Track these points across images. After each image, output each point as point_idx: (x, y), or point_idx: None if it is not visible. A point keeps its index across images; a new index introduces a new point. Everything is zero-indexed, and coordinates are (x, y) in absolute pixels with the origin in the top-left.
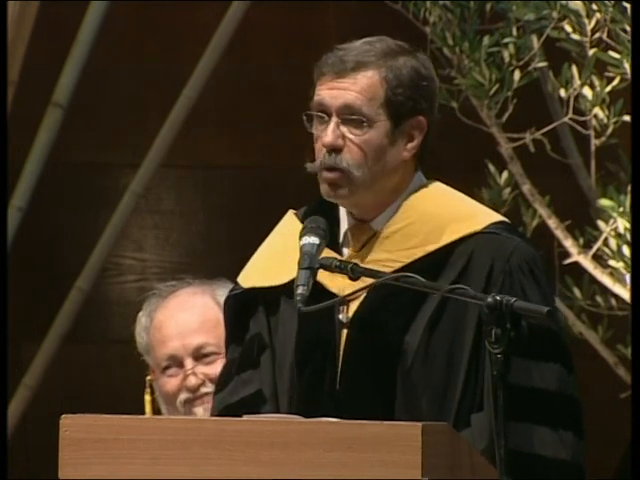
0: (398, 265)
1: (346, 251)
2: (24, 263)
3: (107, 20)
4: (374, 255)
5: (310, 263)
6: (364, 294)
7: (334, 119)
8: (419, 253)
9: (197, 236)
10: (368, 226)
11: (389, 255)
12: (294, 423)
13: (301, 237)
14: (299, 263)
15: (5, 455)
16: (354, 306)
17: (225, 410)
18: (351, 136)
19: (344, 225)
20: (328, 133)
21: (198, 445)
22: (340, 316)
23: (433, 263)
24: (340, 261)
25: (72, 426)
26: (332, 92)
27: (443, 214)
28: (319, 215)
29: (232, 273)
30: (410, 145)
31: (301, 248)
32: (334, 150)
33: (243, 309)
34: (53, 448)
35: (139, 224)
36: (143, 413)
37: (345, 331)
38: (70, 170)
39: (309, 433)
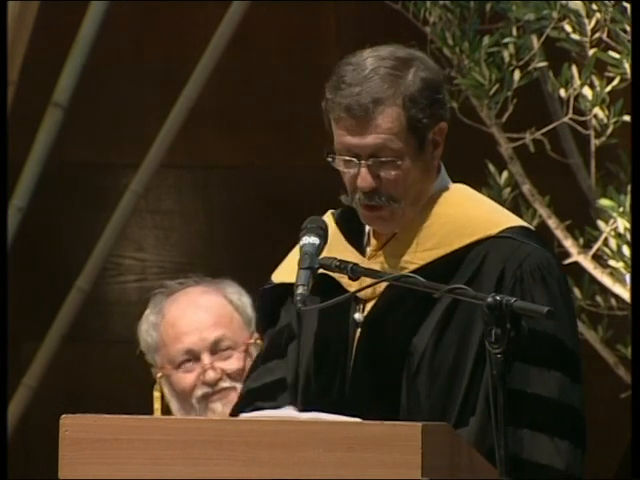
0: (413, 267)
1: (368, 251)
2: (24, 263)
3: (107, 20)
4: (392, 256)
5: (310, 263)
6: (380, 294)
7: (365, 163)
8: (433, 256)
9: (197, 236)
10: None
11: (405, 257)
12: (294, 423)
13: (301, 237)
14: (299, 263)
15: (5, 455)
16: (369, 306)
17: (247, 394)
18: (384, 174)
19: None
20: (362, 177)
21: (198, 445)
22: (356, 315)
23: (447, 266)
24: (340, 261)
25: (72, 426)
26: (358, 139)
27: (460, 217)
28: (353, 216)
29: (232, 273)
30: (437, 152)
31: (301, 248)
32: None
33: (274, 303)
34: (53, 448)
35: (139, 224)
36: (143, 413)
37: (359, 330)
38: (70, 170)
39: (309, 433)
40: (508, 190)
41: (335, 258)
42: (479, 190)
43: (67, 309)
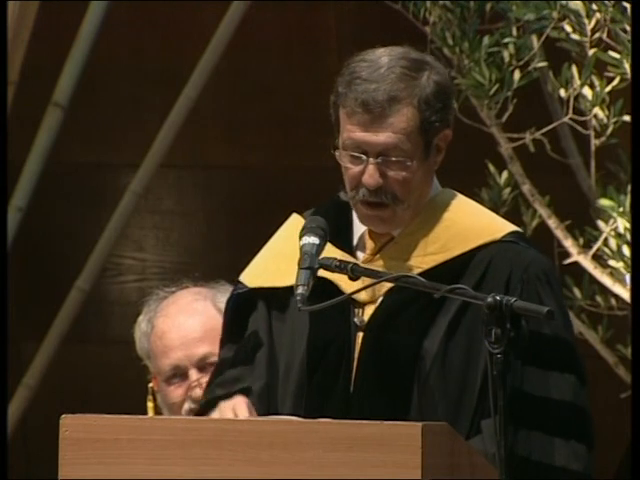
0: (418, 271)
1: (361, 255)
2: (24, 263)
3: (107, 20)
4: (392, 260)
5: (310, 263)
6: (381, 298)
7: (373, 160)
8: (439, 259)
9: (197, 236)
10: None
11: (408, 261)
12: (294, 423)
13: (301, 237)
14: (299, 263)
15: (5, 455)
16: (370, 309)
17: (206, 404)
18: (392, 173)
19: (359, 228)
20: (370, 174)
21: (198, 445)
22: (355, 319)
23: (452, 270)
24: (340, 261)
25: (72, 426)
26: (370, 135)
27: (462, 221)
28: (331, 217)
29: (232, 273)
30: (438, 158)
31: (301, 248)
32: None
33: (245, 308)
34: (53, 448)
35: (139, 224)
36: (143, 413)
37: (361, 334)
38: (70, 170)
39: (309, 433)
40: (508, 190)
41: (335, 258)
42: (479, 190)
43: (67, 309)
